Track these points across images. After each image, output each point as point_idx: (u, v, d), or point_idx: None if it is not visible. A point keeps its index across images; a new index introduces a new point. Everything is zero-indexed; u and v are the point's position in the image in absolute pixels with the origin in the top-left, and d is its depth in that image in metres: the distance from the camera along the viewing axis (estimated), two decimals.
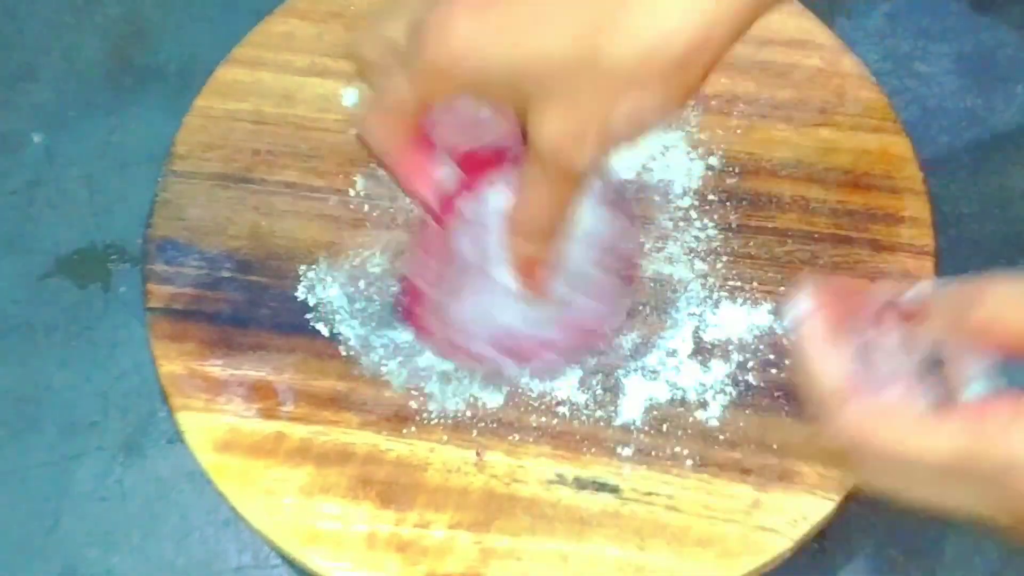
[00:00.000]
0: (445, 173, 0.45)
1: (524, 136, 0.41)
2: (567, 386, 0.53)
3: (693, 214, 0.58)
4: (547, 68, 0.39)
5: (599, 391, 0.53)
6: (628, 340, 0.55)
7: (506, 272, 0.46)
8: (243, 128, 0.60)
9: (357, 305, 0.55)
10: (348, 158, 0.59)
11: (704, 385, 0.54)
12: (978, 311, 0.36)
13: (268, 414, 0.53)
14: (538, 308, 0.49)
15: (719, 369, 0.54)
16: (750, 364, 0.54)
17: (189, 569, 0.54)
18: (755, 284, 0.56)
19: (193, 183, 0.59)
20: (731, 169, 0.59)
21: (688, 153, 0.59)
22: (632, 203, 0.56)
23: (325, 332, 0.55)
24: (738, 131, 0.60)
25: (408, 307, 0.52)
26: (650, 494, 0.51)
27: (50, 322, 0.60)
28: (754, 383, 0.54)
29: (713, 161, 0.59)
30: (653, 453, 0.52)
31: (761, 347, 0.54)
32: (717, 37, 0.39)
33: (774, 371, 0.54)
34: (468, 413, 0.53)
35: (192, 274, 0.56)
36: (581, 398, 0.53)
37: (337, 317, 0.55)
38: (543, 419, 0.53)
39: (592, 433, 0.53)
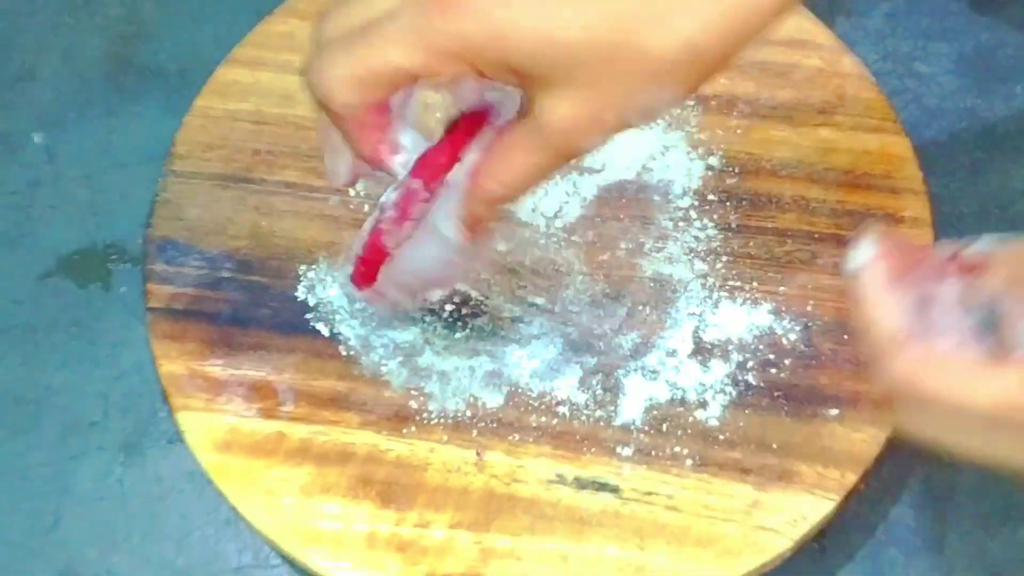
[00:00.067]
0: (410, 139, 0.44)
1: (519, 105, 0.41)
2: (567, 386, 0.54)
3: (693, 214, 0.58)
4: (574, 51, 0.38)
5: (599, 391, 0.53)
6: (628, 340, 0.55)
7: (450, 224, 0.45)
8: (243, 128, 0.60)
9: (357, 305, 0.55)
10: None
11: (704, 385, 0.54)
12: None
13: (268, 414, 0.53)
14: (466, 258, 0.48)
15: (719, 369, 0.54)
16: (750, 364, 0.54)
17: (189, 569, 0.54)
18: (755, 284, 0.56)
19: (193, 183, 0.59)
20: (731, 169, 0.59)
21: (688, 153, 0.60)
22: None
23: (325, 332, 0.55)
24: (738, 131, 0.60)
25: (366, 267, 0.50)
26: (650, 494, 0.51)
27: (50, 322, 0.60)
28: (754, 383, 0.54)
29: (713, 161, 0.59)
30: (653, 453, 0.52)
31: (761, 347, 0.54)
32: (736, 36, 0.39)
33: (774, 371, 0.54)
34: (468, 413, 0.53)
35: (192, 274, 0.56)
36: (581, 398, 0.53)
37: (337, 317, 0.55)
38: (543, 419, 0.53)
39: (592, 433, 0.53)
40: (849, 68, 0.61)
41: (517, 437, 0.52)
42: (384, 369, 0.54)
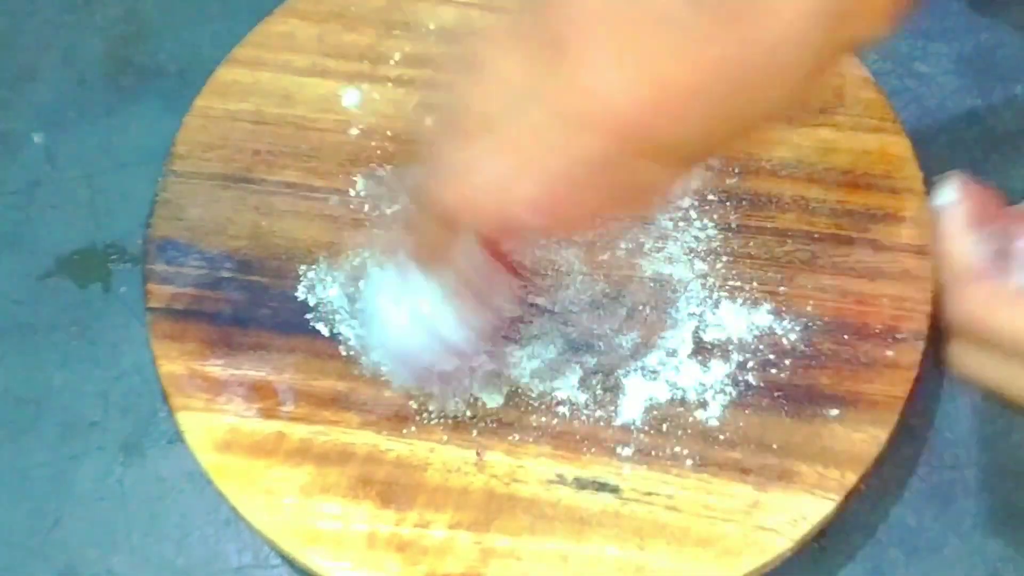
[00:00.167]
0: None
1: None
2: (567, 386, 0.53)
3: (693, 214, 0.58)
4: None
5: (599, 391, 0.53)
6: (628, 340, 0.55)
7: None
8: (243, 128, 0.60)
9: (357, 305, 0.55)
10: (348, 158, 0.59)
11: (704, 385, 0.54)
12: None
13: (268, 414, 0.53)
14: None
15: (719, 369, 0.54)
16: (750, 364, 0.54)
17: (189, 569, 0.54)
18: (755, 284, 0.56)
19: (193, 183, 0.59)
20: (731, 169, 0.59)
21: None
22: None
23: (325, 332, 0.55)
24: None
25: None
26: (650, 494, 0.51)
27: (50, 322, 0.59)
28: (754, 383, 0.54)
29: (713, 161, 0.59)
30: (653, 453, 0.52)
31: (761, 347, 0.54)
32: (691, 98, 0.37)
33: (774, 371, 0.54)
34: (468, 413, 0.53)
35: (192, 274, 0.56)
36: (581, 398, 0.53)
37: (337, 317, 0.55)
38: (543, 419, 0.53)
39: (592, 433, 0.53)
40: (849, 68, 0.61)
41: (517, 437, 0.52)
42: (384, 369, 0.54)
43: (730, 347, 0.54)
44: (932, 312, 0.54)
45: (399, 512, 0.51)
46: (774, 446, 0.52)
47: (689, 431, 0.52)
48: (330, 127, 0.60)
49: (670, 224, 0.58)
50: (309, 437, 0.52)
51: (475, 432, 0.52)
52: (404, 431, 0.52)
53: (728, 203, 0.58)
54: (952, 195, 0.42)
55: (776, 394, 0.53)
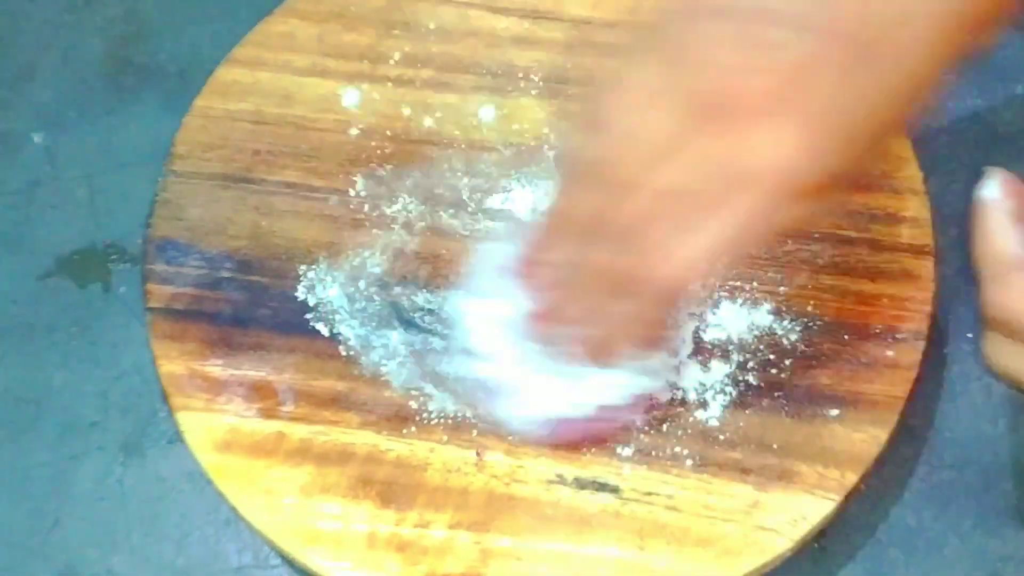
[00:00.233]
0: None
1: None
2: None
3: None
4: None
5: None
6: None
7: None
8: (243, 128, 0.60)
9: (357, 305, 0.55)
10: (348, 158, 0.59)
11: (704, 385, 0.54)
12: None
13: (268, 414, 0.53)
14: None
15: (719, 369, 0.54)
16: (750, 364, 0.54)
17: (189, 569, 0.54)
18: (755, 284, 0.56)
19: (193, 183, 0.59)
20: None
21: None
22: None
23: (325, 332, 0.55)
24: None
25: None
26: (650, 494, 0.51)
27: (50, 322, 0.60)
28: (754, 383, 0.54)
29: None
30: (653, 453, 0.52)
31: (761, 347, 0.54)
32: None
33: (774, 371, 0.54)
34: (468, 413, 0.53)
35: (192, 274, 0.56)
36: None
37: (337, 317, 0.55)
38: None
39: None
40: None
41: (517, 437, 0.52)
42: (384, 369, 0.54)
43: (730, 347, 0.54)
44: (932, 312, 0.54)
45: (399, 512, 0.51)
46: (774, 446, 0.52)
47: (689, 431, 0.52)
48: (330, 127, 0.60)
49: None
50: (309, 437, 0.52)
51: (475, 432, 0.52)
52: (404, 431, 0.52)
53: None
54: (996, 191, 0.42)
55: (776, 394, 0.53)
